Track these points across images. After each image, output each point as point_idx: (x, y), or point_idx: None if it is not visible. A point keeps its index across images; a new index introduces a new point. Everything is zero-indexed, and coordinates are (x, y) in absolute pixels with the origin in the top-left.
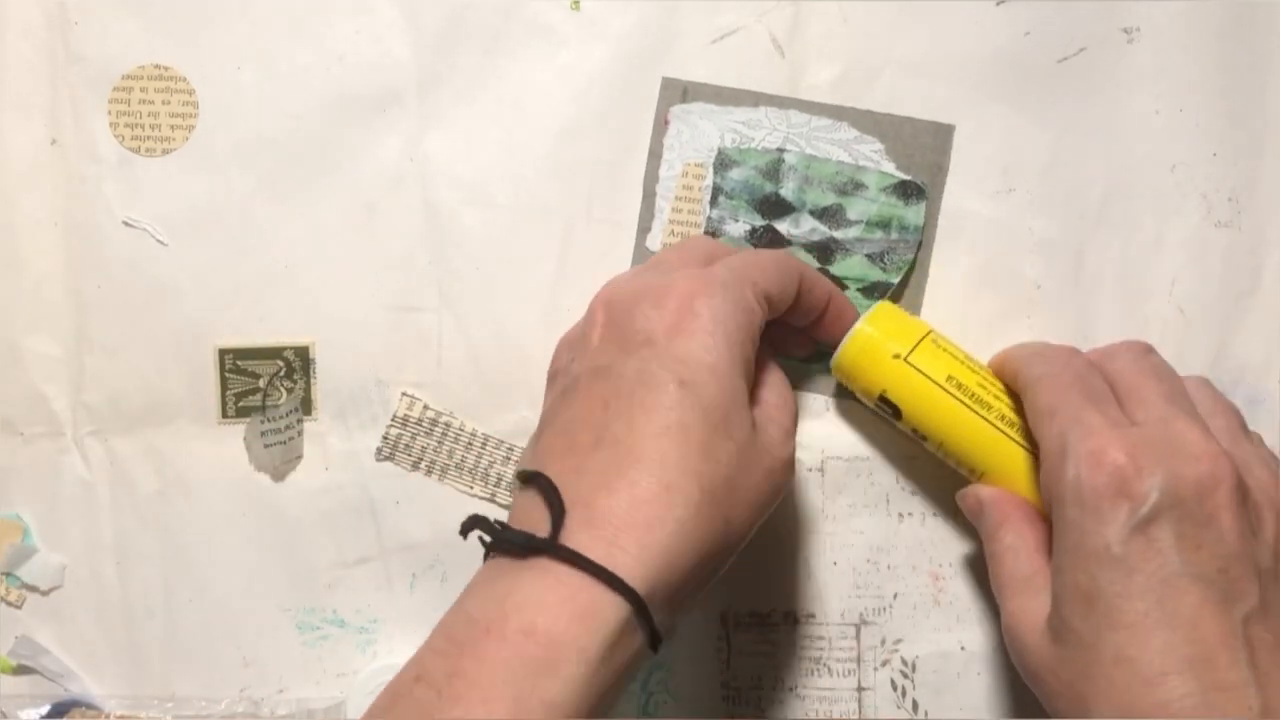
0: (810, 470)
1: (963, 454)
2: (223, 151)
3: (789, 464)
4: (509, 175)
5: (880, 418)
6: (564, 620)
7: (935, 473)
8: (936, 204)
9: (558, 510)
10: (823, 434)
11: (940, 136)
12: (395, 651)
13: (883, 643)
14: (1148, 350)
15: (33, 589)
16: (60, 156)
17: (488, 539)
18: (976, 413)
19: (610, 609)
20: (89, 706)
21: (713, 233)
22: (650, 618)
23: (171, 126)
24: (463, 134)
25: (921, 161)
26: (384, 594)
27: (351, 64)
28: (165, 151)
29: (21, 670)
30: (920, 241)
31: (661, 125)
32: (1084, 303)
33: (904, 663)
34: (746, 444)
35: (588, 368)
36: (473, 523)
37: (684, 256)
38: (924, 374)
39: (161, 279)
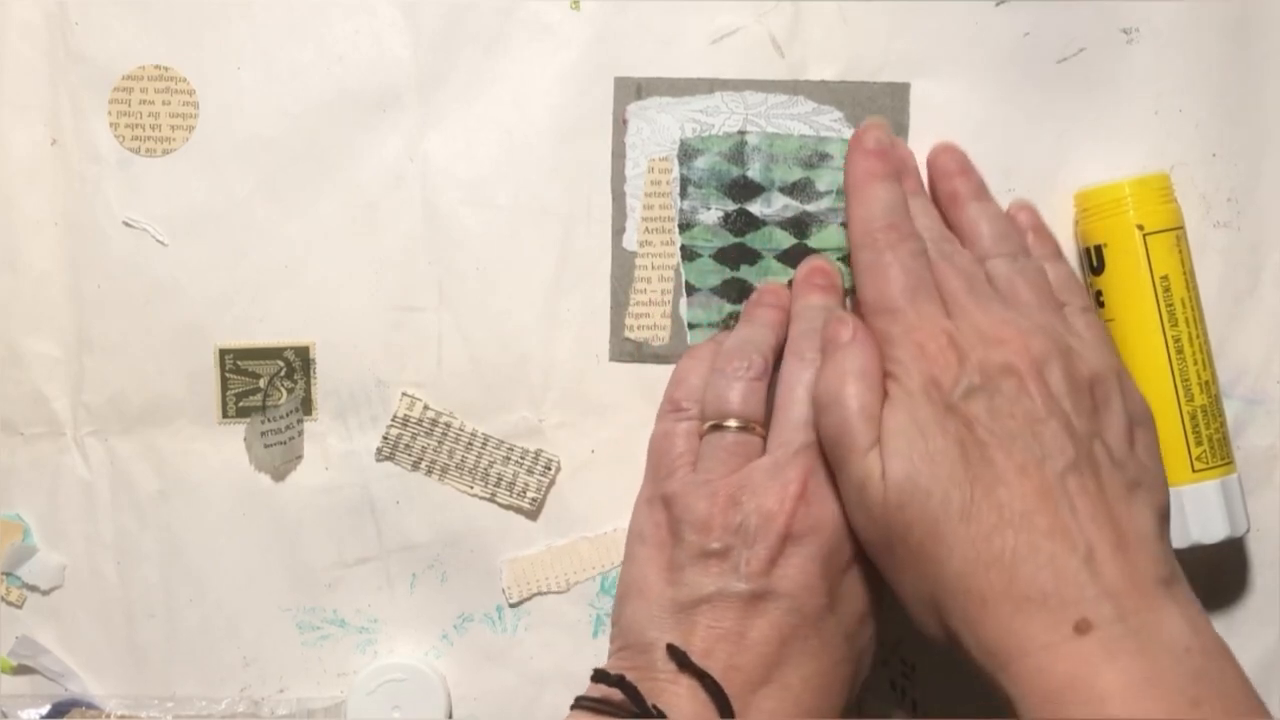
0: None
1: (1123, 343)
2: (223, 151)
3: None
4: (509, 175)
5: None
6: None
7: None
8: None
9: None
10: None
11: (897, 96)
12: (395, 651)
13: (883, 643)
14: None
15: (33, 589)
16: (60, 156)
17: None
18: (1160, 318)
19: None
20: (89, 706)
21: (685, 224)
22: None
23: (171, 126)
24: (463, 134)
25: None
26: (384, 594)
27: (351, 64)
28: (165, 151)
29: (21, 670)
30: None
31: (620, 125)
32: None
33: (904, 663)
34: (863, 673)
35: (761, 587)
36: (617, 684)
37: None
38: (1148, 258)
39: (161, 279)
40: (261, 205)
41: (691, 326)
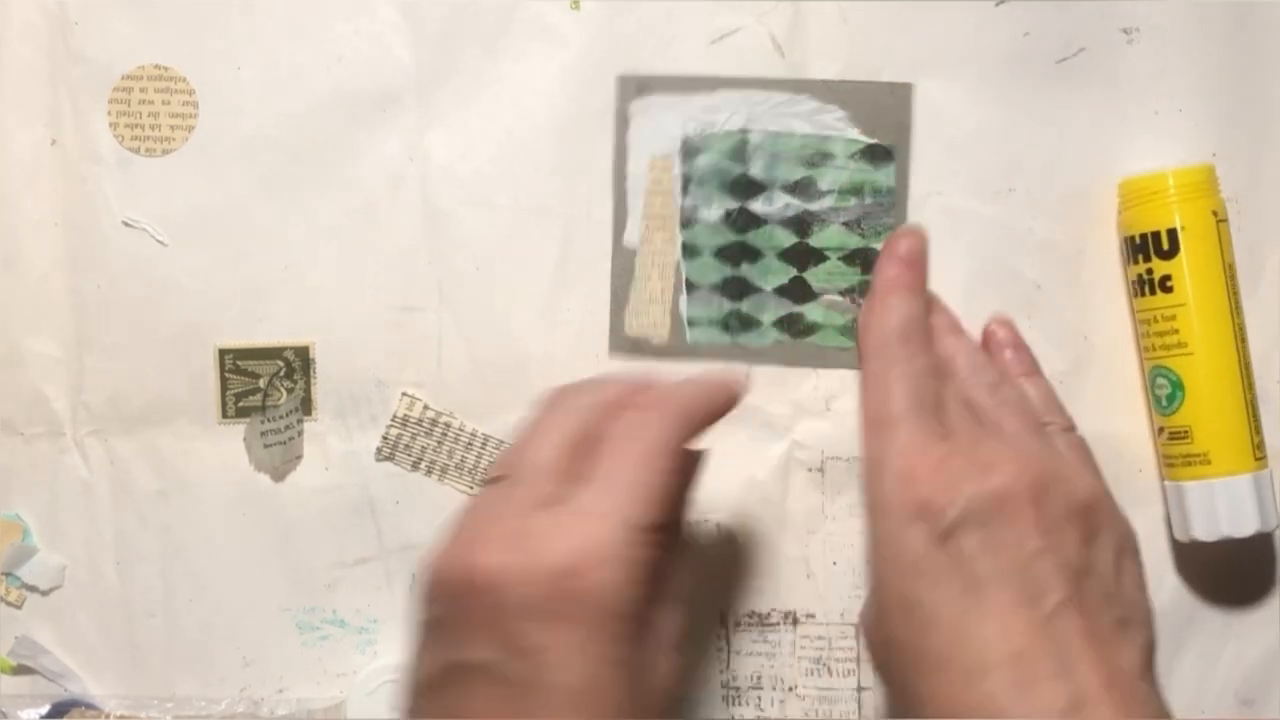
0: (810, 470)
1: (1196, 327)
2: (223, 151)
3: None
4: (509, 175)
5: (1133, 245)
6: None
7: None
8: (906, 163)
9: None
10: (823, 434)
11: (899, 95)
12: (395, 651)
13: None
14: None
15: (33, 589)
16: (60, 156)
17: None
18: (1229, 305)
19: None
20: (89, 706)
21: (686, 222)
22: None
23: (171, 126)
24: (463, 134)
25: (885, 123)
26: (384, 594)
27: (351, 64)
28: (165, 151)
29: (21, 670)
30: (894, 204)
31: (623, 122)
32: (1084, 303)
33: None
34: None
35: (460, 661)
36: None
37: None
38: (1219, 245)
39: (161, 279)
40: (261, 205)
41: (691, 324)
